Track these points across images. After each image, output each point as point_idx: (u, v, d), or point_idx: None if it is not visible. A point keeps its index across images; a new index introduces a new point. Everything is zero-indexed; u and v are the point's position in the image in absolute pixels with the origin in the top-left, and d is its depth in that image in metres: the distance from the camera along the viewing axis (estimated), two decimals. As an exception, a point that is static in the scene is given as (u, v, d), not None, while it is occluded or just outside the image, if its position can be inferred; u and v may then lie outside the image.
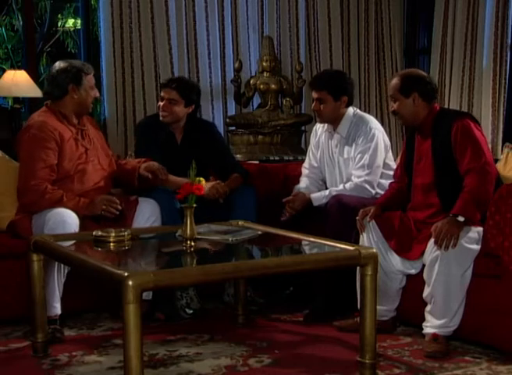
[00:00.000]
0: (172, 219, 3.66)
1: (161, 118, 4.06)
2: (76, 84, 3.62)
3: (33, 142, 3.52)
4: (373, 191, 3.86)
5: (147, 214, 3.66)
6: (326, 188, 4.03)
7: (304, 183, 4.10)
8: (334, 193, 3.84)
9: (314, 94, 3.94)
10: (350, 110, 3.98)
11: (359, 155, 3.88)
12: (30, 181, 3.46)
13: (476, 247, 3.17)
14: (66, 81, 3.62)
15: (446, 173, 3.33)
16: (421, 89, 3.40)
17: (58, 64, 3.68)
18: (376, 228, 3.42)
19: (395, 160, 4.09)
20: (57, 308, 3.37)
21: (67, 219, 3.36)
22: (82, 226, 3.44)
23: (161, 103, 4.06)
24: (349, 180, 3.90)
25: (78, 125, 3.69)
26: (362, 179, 3.85)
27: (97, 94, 3.80)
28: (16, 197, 3.60)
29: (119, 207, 3.57)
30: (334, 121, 3.96)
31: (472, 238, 3.17)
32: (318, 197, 3.91)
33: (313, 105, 3.99)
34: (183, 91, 4.03)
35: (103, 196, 3.60)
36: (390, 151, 4.06)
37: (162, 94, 4.07)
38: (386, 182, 3.80)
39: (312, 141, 4.17)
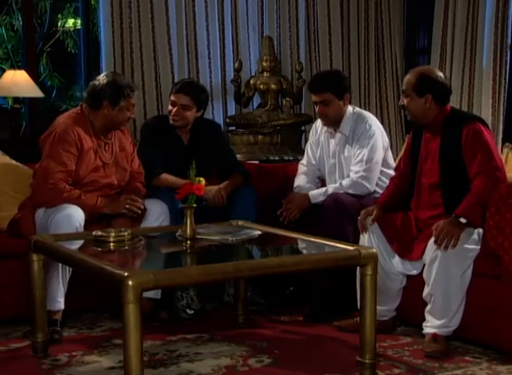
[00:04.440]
0: (174, 219, 3.67)
1: (171, 122, 4.04)
2: (111, 103, 3.56)
3: (57, 143, 3.48)
4: (371, 188, 3.83)
5: (156, 214, 3.66)
6: (323, 186, 4.02)
7: (301, 180, 4.08)
8: (331, 190, 3.83)
9: (317, 98, 3.87)
10: (350, 108, 3.96)
11: (357, 152, 3.86)
12: (48, 180, 3.44)
13: (476, 247, 3.17)
14: (103, 96, 3.55)
15: (451, 175, 3.30)
16: (436, 92, 3.32)
17: (104, 77, 3.62)
18: (378, 230, 3.41)
19: (395, 160, 4.08)
20: (61, 303, 3.38)
21: (73, 213, 3.36)
22: (86, 227, 3.43)
23: (172, 108, 4.03)
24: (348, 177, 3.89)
25: (104, 138, 3.65)
26: (359, 174, 3.83)
27: (133, 116, 3.72)
28: (31, 195, 3.56)
29: (142, 206, 3.60)
30: (338, 121, 3.93)
31: (472, 239, 3.16)
32: (316, 195, 3.89)
33: (317, 109, 3.91)
34: (196, 96, 4.03)
35: (126, 195, 3.63)
36: (390, 149, 4.05)
37: (174, 98, 4.03)
38: (388, 181, 3.78)
39: (311, 138, 4.14)
